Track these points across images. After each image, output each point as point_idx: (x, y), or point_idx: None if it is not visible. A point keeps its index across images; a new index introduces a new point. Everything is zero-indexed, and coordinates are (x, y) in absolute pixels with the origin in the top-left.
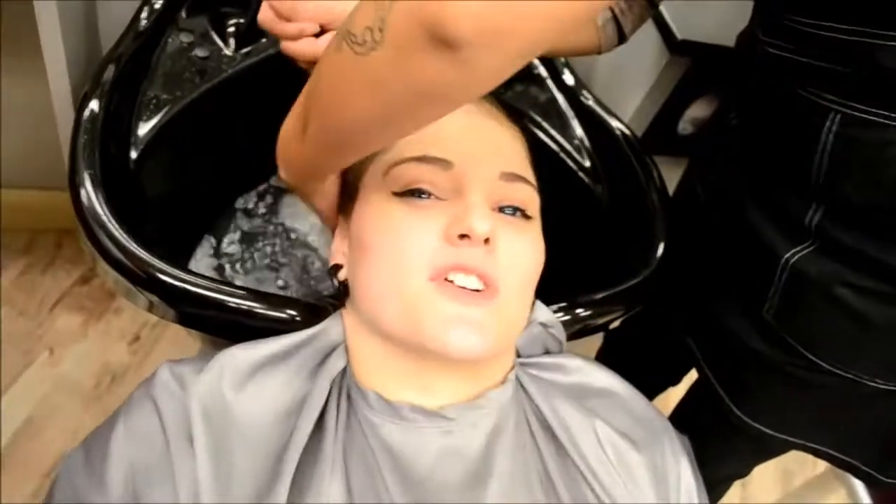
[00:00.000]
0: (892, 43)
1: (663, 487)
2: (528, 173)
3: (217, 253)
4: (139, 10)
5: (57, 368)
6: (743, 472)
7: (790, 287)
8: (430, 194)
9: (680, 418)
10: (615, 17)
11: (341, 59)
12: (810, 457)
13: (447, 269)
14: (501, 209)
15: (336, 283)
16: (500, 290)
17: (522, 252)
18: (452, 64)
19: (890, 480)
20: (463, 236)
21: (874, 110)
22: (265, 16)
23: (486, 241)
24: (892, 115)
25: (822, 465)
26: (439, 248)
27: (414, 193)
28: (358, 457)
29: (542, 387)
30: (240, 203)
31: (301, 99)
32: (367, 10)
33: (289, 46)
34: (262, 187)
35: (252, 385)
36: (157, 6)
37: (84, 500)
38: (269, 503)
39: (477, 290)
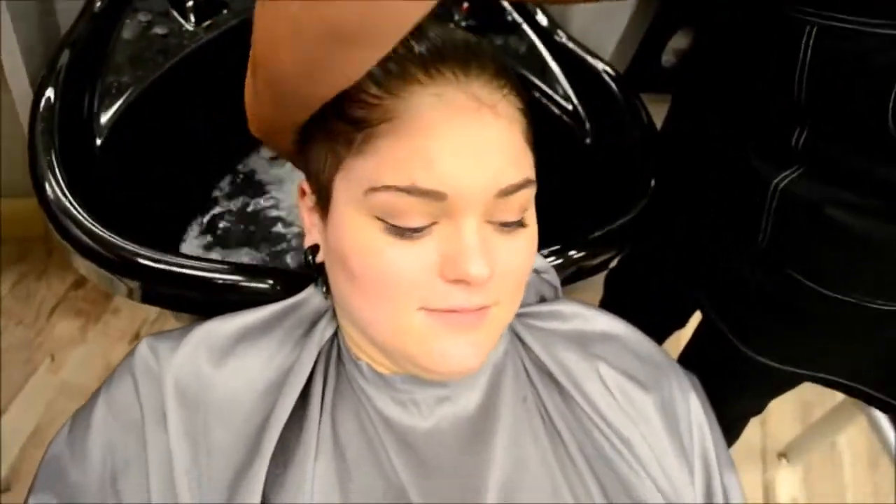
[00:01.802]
0: None
1: (674, 424)
2: (527, 166)
3: (206, 234)
4: None
5: (59, 375)
6: (758, 408)
7: (781, 213)
8: (420, 228)
9: (688, 359)
10: None
11: (263, 9)
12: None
13: (443, 309)
14: (501, 224)
15: (314, 263)
16: (498, 301)
17: (517, 261)
18: None
19: None
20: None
21: (851, 18)
22: None
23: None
24: (870, 21)
25: (841, 394)
26: (435, 285)
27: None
28: (353, 426)
29: (540, 336)
30: (221, 186)
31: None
32: None
33: None
34: (240, 165)
35: (232, 359)
36: None
37: (65, 472)
38: (246, 482)
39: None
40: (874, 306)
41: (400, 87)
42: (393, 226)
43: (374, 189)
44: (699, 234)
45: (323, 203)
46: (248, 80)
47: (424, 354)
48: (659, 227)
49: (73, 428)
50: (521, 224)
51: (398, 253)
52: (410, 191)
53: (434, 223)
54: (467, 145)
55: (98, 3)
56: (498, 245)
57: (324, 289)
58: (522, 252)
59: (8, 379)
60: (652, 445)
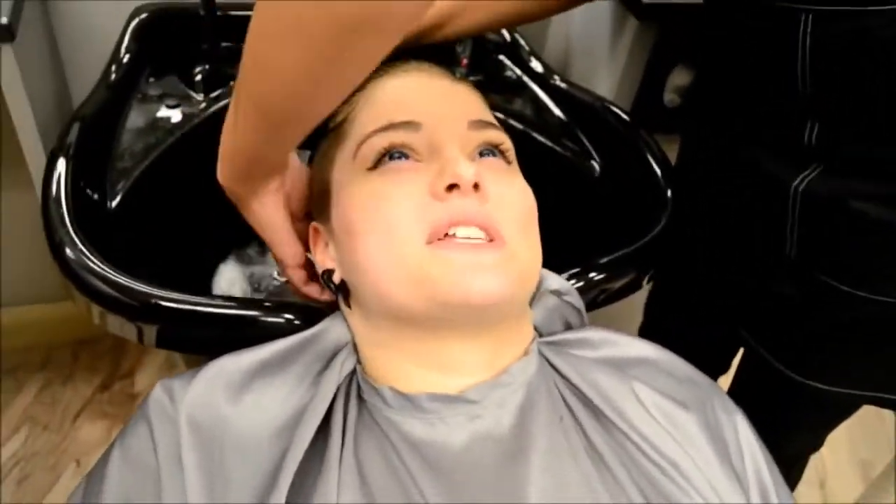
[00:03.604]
0: None
1: (721, 447)
2: (494, 121)
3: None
4: (107, 68)
5: None
6: (816, 442)
7: (806, 217)
8: (406, 155)
9: (734, 397)
10: None
11: (262, 13)
12: (883, 441)
13: (444, 225)
14: (481, 154)
15: (333, 287)
16: (505, 237)
17: (513, 194)
18: None
19: None
20: (451, 187)
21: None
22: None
23: (476, 187)
24: (862, 0)
25: None
26: (430, 206)
27: (390, 157)
28: (377, 458)
29: (571, 360)
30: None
31: (235, 87)
32: None
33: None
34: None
35: (249, 395)
36: (125, 61)
37: None
38: None
39: (482, 242)
40: None
41: (371, 80)
42: (380, 159)
43: (359, 144)
44: (727, 258)
45: (327, 211)
46: (227, 118)
47: (447, 282)
48: (685, 261)
49: (88, 482)
50: (505, 159)
51: (392, 188)
52: (388, 127)
53: (421, 161)
54: (433, 91)
55: (113, 76)
56: (487, 175)
57: (341, 299)
58: (515, 186)
59: (33, 485)
60: (700, 467)
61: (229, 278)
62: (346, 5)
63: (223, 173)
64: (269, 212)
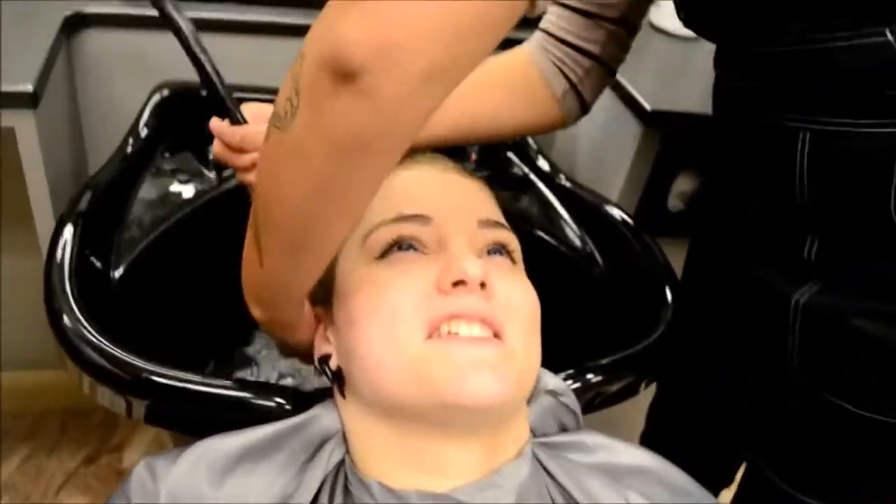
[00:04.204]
0: (843, 42)
1: None
2: (504, 221)
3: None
4: (125, 140)
5: None
6: None
7: (806, 332)
8: (413, 248)
9: None
10: (574, 87)
11: (269, 146)
12: None
13: (444, 318)
14: (488, 252)
15: (329, 373)
16: (506, 336)
17: (518, 293)
18: (357, 98)
19: None
20: (456, 284)
21: (839, 120)
22: (218, 150)
23: (483, 285)
24: (859, 122)
25: None
26: (433, 298)
27: (398, 248)
28: None
29: (565, 465)
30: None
31: (250, 220)
32: (286, 84)
33: (243, 177)
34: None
35: (232, 480)
36: (143, 135)
37: None
38: None
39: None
40: None
41: None
42: (388, 249)
43: (368, 234)
44: (730, 367)
45: (329, 297)
46: (249, 252)
47: (444, 380)
48: (688, 368)
49: None
50: (511, 258)
51: (395, 280)
52: (398, 219)
53: (428, 254)
54: (444, 185)
55: (129, 148)
56: (493, 273)
57: (335, 385)
58: (521, 287)
59: None
60: None
61: None
62: (342, 130)
63: (256, 309)
64: (308, 334)
